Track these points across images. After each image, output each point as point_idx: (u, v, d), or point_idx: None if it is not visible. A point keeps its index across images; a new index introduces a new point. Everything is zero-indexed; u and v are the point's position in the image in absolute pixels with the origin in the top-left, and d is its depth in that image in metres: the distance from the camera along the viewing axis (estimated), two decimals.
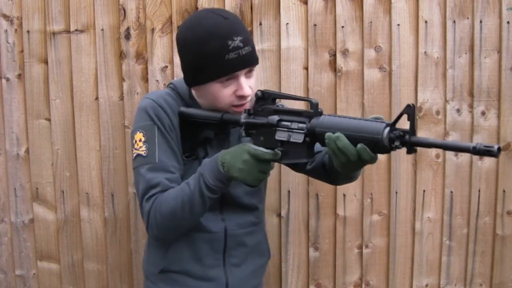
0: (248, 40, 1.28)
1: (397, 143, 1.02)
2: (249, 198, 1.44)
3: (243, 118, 1.28)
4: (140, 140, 1.33)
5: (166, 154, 1.32)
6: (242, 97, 1.29)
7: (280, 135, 1.21)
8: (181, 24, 1.34)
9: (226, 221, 1.41)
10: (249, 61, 1.28)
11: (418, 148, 1.83)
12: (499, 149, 0.93)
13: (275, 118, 1.23)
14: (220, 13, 1.30)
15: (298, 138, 1.18)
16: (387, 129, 1.05)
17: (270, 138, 1.23)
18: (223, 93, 1.29)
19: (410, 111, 1.00)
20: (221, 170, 1.22)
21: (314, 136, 1.16)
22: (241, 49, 1.25)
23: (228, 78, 1.27)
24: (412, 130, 1.01)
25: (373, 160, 1.07)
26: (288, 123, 1.21)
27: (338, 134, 1.08)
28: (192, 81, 1.33)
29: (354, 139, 1.07)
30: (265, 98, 1.27)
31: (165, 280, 1.42)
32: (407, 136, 1.02)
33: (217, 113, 1.32)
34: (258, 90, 1.28)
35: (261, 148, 1.20)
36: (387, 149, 1.06)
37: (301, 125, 1.19)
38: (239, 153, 1.21)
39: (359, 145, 1.06)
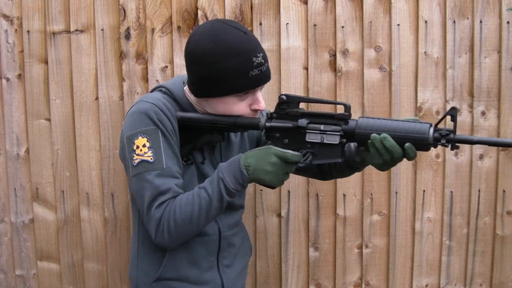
0: (266, 57, 1.30)
1: (443, 141, 1.16)
2: (238, 198, 1.46)
3: (265, 121, 1.31)
4: (144, 146, 1.27)
5: (171, 159, 1.28)
6: (257, 111, 1.32)
7: (312, 137, 1.27)
8: (193, 35, 1.30)
9: (219, 222, 1.41)
10: (268, 77, 1.30)
11: None
12: None
13: (304, 121, 1.27)
14: (236, 26, 1.29)
15: (334, 139, 1.25)
16: (432, 129, 1.18)
17: (297, 141, 1.28)
18: (238, 106, 1.30)
19: (454, 112, 1.16)
20: (244, 174, 1.24)
21: (351, 137, 1.24)
22: (263, 66, 1.27)
23: (246, 92, 1.28)
24: (455, 129, 1.16)
25: (415, 157, 1.19)
26: (319, 126, 1.26)
27: (384, 134, 1.18)
28: (206, 93, 1.30)
29: (399, 139, 1.18)
30: (289, 102, 1.29)
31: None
32: (452, 135, 1.16)
33: (230, 118, 1.32)
34: (283, 95, 1.30)
35: (289, 150, 1.23)
36: (429, 147, 1.18)
37: (334, 127, 1.25)
38: (264, 155, 1.24)
39: (407, 144, 1.17)
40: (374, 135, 1.18)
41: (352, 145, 1.34)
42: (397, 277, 1.92)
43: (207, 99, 1.32)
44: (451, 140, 1.16)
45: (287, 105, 1.29)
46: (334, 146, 1.25)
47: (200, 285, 1.40)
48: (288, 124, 1.29)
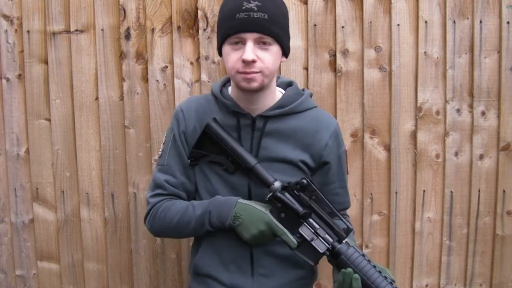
0: (266, 9, 1.25)
1: None
2: None
3: (276, 187, 1.30)
4: (162, 142, 1.46)
5: (173, 158, 1.40)
6: (245, 63, 1.26)
7: (305, 232, 1.30)
8: None
9: None
10: (259, 26, 1.25)
11: (418, 148, 1.83)
12: None
13: (308, 214, 1.29)
14: None
15: (321, 246, 1.29)
16: None
17: (291, 223, 1.29)
18: (231, 56, 1.29)
19: None
20: (230, 221, 1.30)
21: (335, 256, 1.28)
22: (254, 12, 1.24)
23: (237, 41, 1.27)
24: None
25: None
26: (316, 226, 1.29)
27: (357, 276, 1.22)
28: (217, 47, 1.35)
29: (367, 286, 1.23)
30: (307, 190, 1.30)
31: (198, 282, 1.44)
32: None
33: (251, 160, 1.33)
34: (305, 179, 1.29)
35: (284, 229, 1.28)
36: None
37: (327, 237, 1.29)
38: (257, 220, 1.28)
39: None
40: (349, 270, 1.23)
41: None
42: (397, 277, 1.92)
43: (223, 58, 1.34)
44: None
45: (303, 189, 1.30)
46: (316, 251, 1.29)
47: None
48: (294, 206, 1.29)
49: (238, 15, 1.24)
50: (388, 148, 1.86)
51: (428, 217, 1.90)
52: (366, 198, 1.89)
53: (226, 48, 1.30)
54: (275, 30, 1.27)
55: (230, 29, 1.26)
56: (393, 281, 1.26)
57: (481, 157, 1.87)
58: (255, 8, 1.24)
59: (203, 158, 1.39)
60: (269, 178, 1.31)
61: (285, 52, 1.35)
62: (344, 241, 1.29)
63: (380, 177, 1.88)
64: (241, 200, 1.32)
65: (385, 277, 1.25)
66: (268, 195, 1.30)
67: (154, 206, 1.41)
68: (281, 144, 1.37)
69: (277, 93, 1.42)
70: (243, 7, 1.24)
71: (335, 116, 1.84)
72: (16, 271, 1.97)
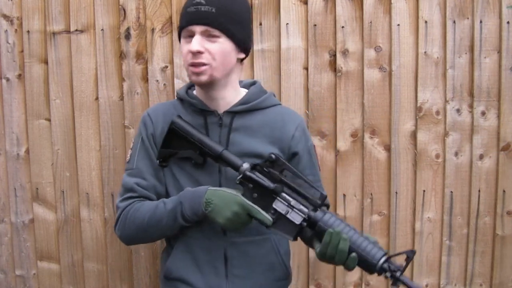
0: (214, 3, 1.28)
1: (388, 274, 1.19)
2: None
3: (245, 167, 1.29)
4: (130, 148, 1.45)
5: (144, 161, 1.39)
6: (192, 54, 1.29)
7: (279, 206, 1.27)
8: None
9: None
10: (205, 19, 1.28)
11: (418, 148, 1.84)
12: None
13: (280, 188, 1.27)
14: None
15: (296, 218, 1.26)
16: (383, 258, 1.20)
17: (264, 201, 1.27)
18: (184, 50, 1.32)
19: (411, 255, 1.18)
20: (202, 209, 1.27)
21: (312, 225, 1.25)
22: (201, 6, 1.28)
23: (189, 35, 1.30)
24: (404, 270, 1.19)
25: (352, 269, 1.22)
26: (290, 199, 1.26)
27: (346, 237, 1.19)
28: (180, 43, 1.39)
29: (352, 250, 1.20)
30: (276, 164, 1.28)
31: (168, 286, 1.42)
32: (398, 273, 1.18)
33: (217, 147, 1.32)
34: (272, 154, 1.28)
35: (262, 211, 1.25)
36: (374, 272, 1.21)
37: (302, 207, 1.26)
38: (229, 202, 1.26)
39: (352, 254, 1.19)
40: (338, 230, 1.19)
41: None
42: None
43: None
44: (395, 277, 1.19)
45: (272, 165, 1.28)
46: (293, 225, 1.26)
47: None
48: (265, 183, 1.28)
49: (188, 9, 1.30)
50: (388, 148, 1.86)
51: (428, 217, 1.90)
52: (366, 198, 1.89)
53: (181, 44, 1.34)
54: (223, 23, 1.29)
55: (182, 23, 1.32)
56: (376, 241, 1.23)
57: (481, 157, 1.87)
58: (204, 2, 1.28)
59: (172, 157, 1.38)
60: (237, 161, 1.30)
61: (241, 47, 1.35)
62: (319, 209, 1.26)
63: (380, 177, 1.88)
64: (211, 187, 1.30)
65: (367, 238, 1.22)
66: (238, 177, 1.29)
67: (124, 209, 1.37)
68: (250, 139, 1.38)
69: (242, 92, 1.44)
70: (193, 2, 1.29)
71: (335, 116, 1.84)
72: (16, 271, 1.97)
